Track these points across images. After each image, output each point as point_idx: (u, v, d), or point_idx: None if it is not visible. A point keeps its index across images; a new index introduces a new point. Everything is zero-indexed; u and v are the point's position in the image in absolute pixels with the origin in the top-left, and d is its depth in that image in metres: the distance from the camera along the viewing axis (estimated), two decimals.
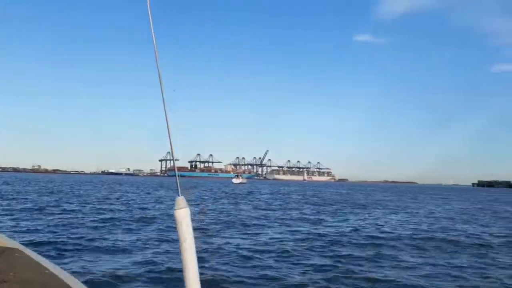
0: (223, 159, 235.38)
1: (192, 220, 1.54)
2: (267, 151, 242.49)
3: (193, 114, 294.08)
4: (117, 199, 29.64)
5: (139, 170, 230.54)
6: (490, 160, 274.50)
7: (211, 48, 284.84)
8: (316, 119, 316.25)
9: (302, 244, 12.19)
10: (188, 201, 1.57)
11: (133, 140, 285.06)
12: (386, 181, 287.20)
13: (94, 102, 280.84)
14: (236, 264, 9.29)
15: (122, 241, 11.67)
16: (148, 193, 39.24)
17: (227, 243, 11.94)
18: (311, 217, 20.51)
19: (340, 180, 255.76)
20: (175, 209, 1.57)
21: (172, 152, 1.75)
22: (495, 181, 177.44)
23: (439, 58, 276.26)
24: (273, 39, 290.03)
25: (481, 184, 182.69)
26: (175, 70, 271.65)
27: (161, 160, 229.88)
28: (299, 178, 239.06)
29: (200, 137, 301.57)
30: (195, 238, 1.57)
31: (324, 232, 14.77)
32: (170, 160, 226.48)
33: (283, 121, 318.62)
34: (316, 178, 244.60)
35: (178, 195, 1.61)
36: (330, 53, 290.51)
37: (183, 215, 1.56)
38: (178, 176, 1.74)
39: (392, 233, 15.21)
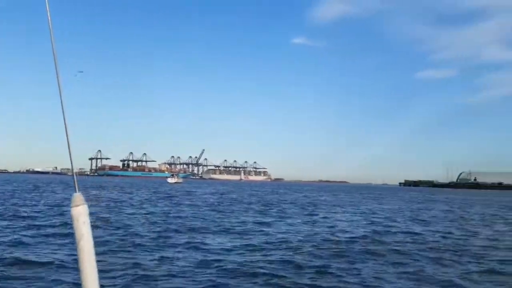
0: (158, 158, 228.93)
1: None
2: (203, 150, 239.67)
3: (127, 111, 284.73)
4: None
5: (67, 169, 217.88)
6: (415, 161, 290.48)
7: (153, 47, 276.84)
8: (253, 119, 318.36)
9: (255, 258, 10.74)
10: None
11: (61, 138, 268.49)
12: (320, 181, 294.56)
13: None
14: None
15: None
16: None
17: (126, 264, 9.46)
18: (264, 219, 19.21)
19: (276, 179, 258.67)
20: (71, 207, 1.53)
21: (68, 146, 1.65)
22: (420, 181, 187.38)
23: (370, 63, 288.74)
24: (211, 39, 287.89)
25: (407, 183, 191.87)
26: (109, 67, 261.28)
27: (91, 159, 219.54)
28: (236, 177, 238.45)
29: (134, 135, 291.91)
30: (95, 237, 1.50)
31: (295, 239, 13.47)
32: (100, 158, 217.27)
33: (220, 120, 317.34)
34: (252, 177, 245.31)
35: (76, 192, 1.56)
36: (268, 55, 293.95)
37: (80, 212, 1.52)
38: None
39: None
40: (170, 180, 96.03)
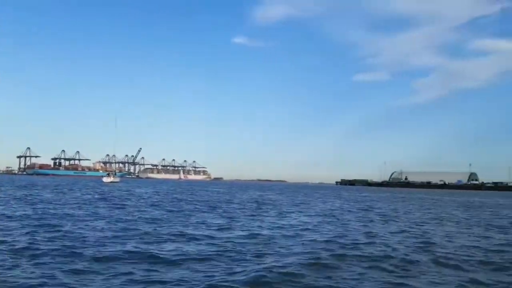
0: (92, 157, 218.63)
1: None
2: (140, 149, 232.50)
3: (59, 109, 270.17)
4: None
5: None
6: (352, 161, 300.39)
7: (84, 43, 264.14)
8: (193, 118, 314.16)
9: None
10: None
11: None
12: (259, 180, 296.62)
13: None
14: None
15: None
16: None
17: None
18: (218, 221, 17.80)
19: (215, 178, 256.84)
20: None
21: None
22: (356, 180, 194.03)
23: (310, 64, 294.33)
24: (153, 37, 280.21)
25: (343, 182, 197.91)
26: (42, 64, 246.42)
27: (19, 157, 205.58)
28: (175, 176, 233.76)
29: (66, 134, 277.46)
30: None
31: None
32: (30, 156, 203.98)
33: (158, 119, 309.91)
34: (192, 177, 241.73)
35: None
36: (208, 54, 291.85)
37: None
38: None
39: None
40: (105, 179, 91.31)
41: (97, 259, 9.46)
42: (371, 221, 21.27)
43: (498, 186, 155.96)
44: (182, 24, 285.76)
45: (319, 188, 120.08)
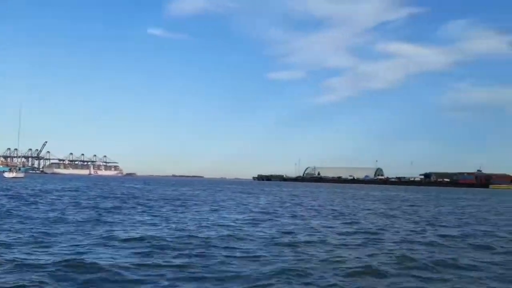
0: None
1: None
2: (46, 142, 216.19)
3: None
4: None
5: None
6: (268, 157, 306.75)
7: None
8: (104, 111, 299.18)
9: None
10: None
11: None
12: (174, 175, 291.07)
13: None
14: None
15: None
16: None
17: None
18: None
19: (128, 174, 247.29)
20: None
21: None
22: (272, 175, 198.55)
23: (227, 60, 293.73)
24: (62, 27, 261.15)
25: (260, 178, 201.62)
26: None
27: None
28: (85, 172, 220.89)
29: None
30: None
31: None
32: None
33: (65, 111, 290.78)
34: (102, 172, 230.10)
35: None
36: (122, 45, 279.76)
37: None
38: None
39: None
40: (7, 174, 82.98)
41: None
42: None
43: (401, 181, 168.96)
44: (94, 12, 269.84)
45: (238, 184, 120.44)
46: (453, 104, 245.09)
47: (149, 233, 12.77)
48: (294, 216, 20.35)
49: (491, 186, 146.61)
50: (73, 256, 9.09)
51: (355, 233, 14.63)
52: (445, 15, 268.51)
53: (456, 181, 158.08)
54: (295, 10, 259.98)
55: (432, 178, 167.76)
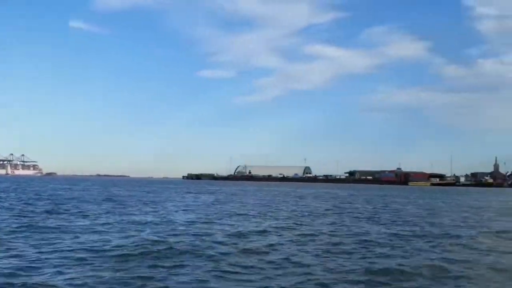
0: None
1: None
2: None
3: None
4: None
5: None
6: (198, 155, 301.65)
7: None
8: (22, 105, 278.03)
9: None
10: None
11: None
12: (98, 175, 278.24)
13: None
14: None
15: None
16: None
17: None
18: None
19: (48, 174, 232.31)
20: None
21: None
22: (202, 174, 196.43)
23: (155, 56, 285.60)
24: None
25: (190, 177, 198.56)
26: None
27: None
28: (1, 172, 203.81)
29: None
30: None
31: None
32: None
33: None
34: (20, 172, 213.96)
35: None
36: (44, 38, 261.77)
37: None
38: None
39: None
40: None
41: None
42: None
43: (328, 179, 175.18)
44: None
45: (169, 183, 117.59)
46: (375, 106, 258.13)
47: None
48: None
49: (410, 183, 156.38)
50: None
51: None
52: (367, 20, 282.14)
53: (378, 178, 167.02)
54: (226, 9, 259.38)
55: (356, 176, 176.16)
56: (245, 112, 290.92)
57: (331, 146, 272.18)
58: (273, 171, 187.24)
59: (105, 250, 10.18)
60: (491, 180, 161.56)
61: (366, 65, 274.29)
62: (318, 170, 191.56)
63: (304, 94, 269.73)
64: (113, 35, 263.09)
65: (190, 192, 49.04)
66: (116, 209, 22.29)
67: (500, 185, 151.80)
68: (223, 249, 10.84)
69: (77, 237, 12.12)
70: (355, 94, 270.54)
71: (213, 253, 10.21)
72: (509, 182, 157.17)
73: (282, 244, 12.01)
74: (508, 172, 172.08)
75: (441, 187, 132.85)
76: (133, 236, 12.60)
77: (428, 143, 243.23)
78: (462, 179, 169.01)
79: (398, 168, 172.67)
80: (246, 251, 10.65)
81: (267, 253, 10.61)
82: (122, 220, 17.06)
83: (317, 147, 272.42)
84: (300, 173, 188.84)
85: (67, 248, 10.33)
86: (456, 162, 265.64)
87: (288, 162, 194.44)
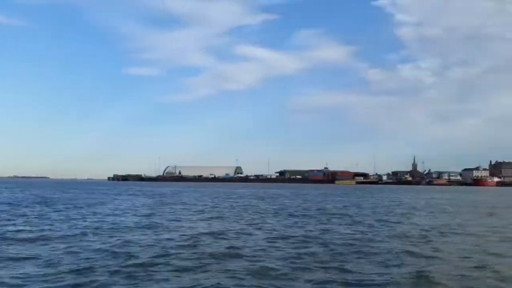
0: None
1: None
2: None
3: None
4: None
5: None
6: (125, 156, 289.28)
7: None
8: None
9: None
10: None
11: None
12: (16, 176, 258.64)
13: None
14: None
15: None
16: None
17: None
18: None
19: None
20: None
21: None
22: (129, 175, 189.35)
23: (79, 52, 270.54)
24: None
25: (116, 178, 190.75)
26: None
27: None
28: None
29: None
30: None
31: None
32: None
33: None
34: None
35: None
36: None
37: None
38: None
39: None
40: None
41: None
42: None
43: (259, 178, 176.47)
44: None
45: (97, 184, 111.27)
46: (304, 107, 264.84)
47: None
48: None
49: (336, 181, 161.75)
50: None
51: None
52: (296, 24, 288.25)
53: (307, 177, 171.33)
54: (154, 5, 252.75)
55: (287, 176, 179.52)
56: (175, 111, 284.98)
57: (262, 146, 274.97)
58: (204, 172, 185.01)
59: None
60: (410, 178, 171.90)
61: (295, 67, 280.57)
62: (249, 170, 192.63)
63: (235, 94, 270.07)
64: (34, 28, 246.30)
65: (120, 194, 46.06)
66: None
67: (418, 183, 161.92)
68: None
69: None
70: (284, 95, 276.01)
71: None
72: (427, 180, 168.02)
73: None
74: (425, 170, 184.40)
75: (365, 185, 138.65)
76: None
77: (353, 143, 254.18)
78: (385, 178, 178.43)
79: (325, 168, 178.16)
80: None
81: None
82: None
83: (248, 147, 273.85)
84: (231, 173, 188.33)
85: None
86: (379, 162, 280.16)
87: (219, 163, 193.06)
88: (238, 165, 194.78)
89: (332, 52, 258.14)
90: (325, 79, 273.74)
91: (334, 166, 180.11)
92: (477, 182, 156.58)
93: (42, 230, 14.53)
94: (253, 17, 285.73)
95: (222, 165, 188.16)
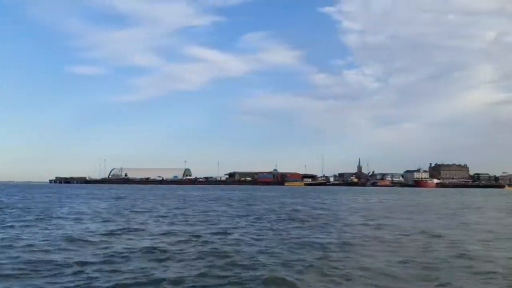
0: None
1: None
2: None
3: None
4: None
5: None
6: (67, 157, 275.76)
7: None
8: None
9: None
10: None
11: None
12: None
13: None
14: None
15: None
16: None
17: None
18: None
19: None
20: None
21: None
22: (72, 177, 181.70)
23: (16, 50, 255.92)
24: None
25: (58, 180, 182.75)
26: None
27: None
28: None
29: None
30: None
31: None
32: None
33: None
34: None
35: None
36: None
37: None
38: None
39: None
40: None
41: None
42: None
43: (208, 181, 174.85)
44: None
45: (39, 187, 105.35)
46: (252, 109, 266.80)
47: None
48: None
49: (286, 183, 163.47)
50: None
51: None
52: (246, 27, 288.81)
53: (257, 179, 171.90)
54: (99, 3, 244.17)
55: (236, 177, 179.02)
56: (122, 112, 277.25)
57: (212, 148, 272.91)
58: (152, 174, 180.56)
59: None
60: (356, 180, 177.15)
61: (244, 70, 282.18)
62: (198, 172, 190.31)
63: (184, 95, 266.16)
64: None
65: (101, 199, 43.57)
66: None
67: (363, 184, 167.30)
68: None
69: None
70: (233, 97, 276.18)
71: None
72: (371, 182, 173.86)
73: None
74: (370, 172, 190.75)
75: (314, 187, 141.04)
76: None
77: (301, 146, 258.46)
78: (332, 179, 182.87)
79: (274, 169, 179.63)
80: None
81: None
82: None
83: (197, 149, 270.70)
84: (180, 175, 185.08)
85: None
86: (327, 163, 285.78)
87: (168, 165, 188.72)
88: (187, 167, 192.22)
89: (280, 55, 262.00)
90: (274, 82, 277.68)
91: (283, 168, 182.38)
92: (418, 183, 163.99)
93: None
94: (202, 18, 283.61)
95: (170, 167, 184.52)
